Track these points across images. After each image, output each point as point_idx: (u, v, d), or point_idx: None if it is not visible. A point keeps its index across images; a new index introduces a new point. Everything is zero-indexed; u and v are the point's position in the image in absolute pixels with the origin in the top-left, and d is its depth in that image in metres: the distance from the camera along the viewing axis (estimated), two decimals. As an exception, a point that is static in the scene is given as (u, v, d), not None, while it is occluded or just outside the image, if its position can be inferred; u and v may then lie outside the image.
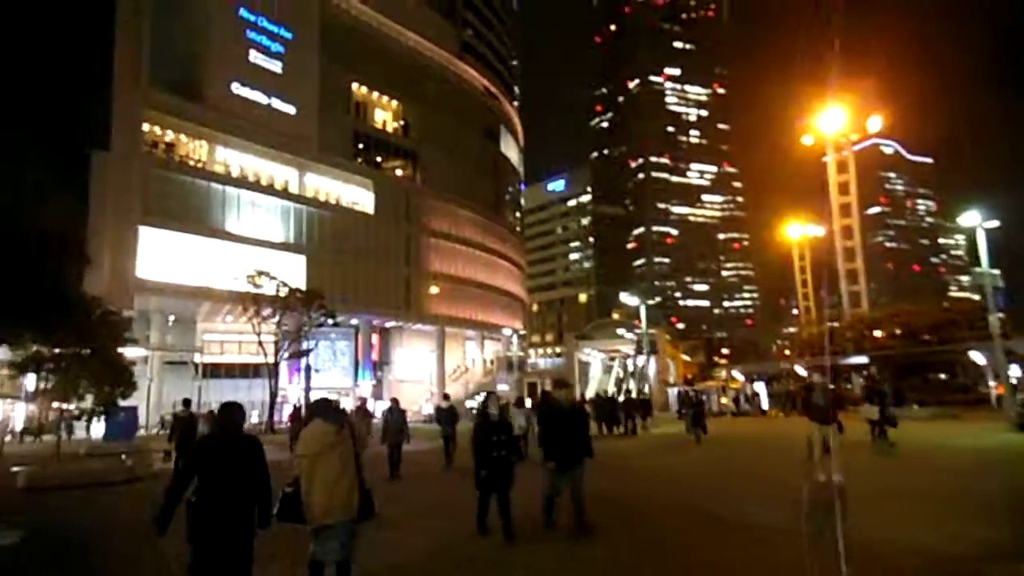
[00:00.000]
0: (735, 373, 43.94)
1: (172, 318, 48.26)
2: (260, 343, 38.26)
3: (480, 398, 59.79)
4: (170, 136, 49.00)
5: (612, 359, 73.21)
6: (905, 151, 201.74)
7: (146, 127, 46.62)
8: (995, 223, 19.63)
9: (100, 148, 46.32)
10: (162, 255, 45.69)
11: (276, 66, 53.93)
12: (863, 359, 33.03)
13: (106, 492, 13.00)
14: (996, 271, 19.43)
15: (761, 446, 19.37)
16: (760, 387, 35.85)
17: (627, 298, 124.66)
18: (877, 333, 41.57)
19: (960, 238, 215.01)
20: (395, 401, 15.57)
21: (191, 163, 49.40)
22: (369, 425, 14.34)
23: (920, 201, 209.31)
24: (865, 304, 45.68)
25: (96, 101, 45.70)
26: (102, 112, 45.15)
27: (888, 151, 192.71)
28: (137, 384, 28.78)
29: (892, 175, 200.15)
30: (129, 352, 45.74)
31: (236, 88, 51.11)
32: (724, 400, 40.11)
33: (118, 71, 45.75)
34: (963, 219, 19.71)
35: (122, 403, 33.45)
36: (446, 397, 20.12)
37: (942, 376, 44.93)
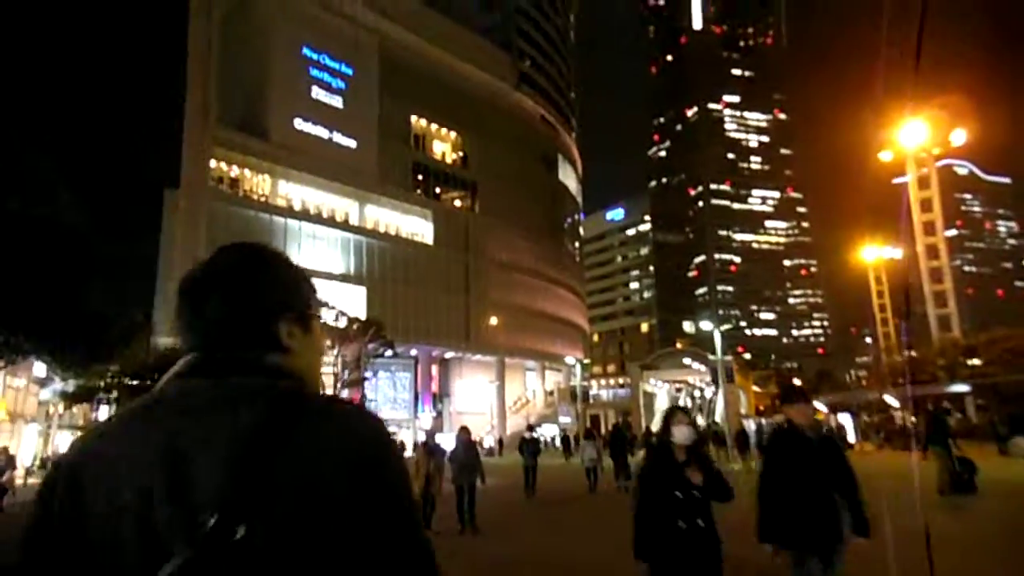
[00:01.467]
0: (817, 404, 41.15)
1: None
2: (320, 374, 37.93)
3: (559, 427, 57.37)
4: (235, 172, 50.11)
5: (679, 390, 70.77)
6: (980, 171, 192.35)
7: (212, 163, 47.73)
8: None
9: (171, 185, 47.80)
10: (227, 288, 46.20)
11: (337, 101, 54.88)
12: (964, 387, 30.23)
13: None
14: None
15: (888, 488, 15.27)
16: (845, 419, 33.29)
17: (691, 327, 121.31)
18: (974, 361, 38.43)
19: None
20: (465, 431, 12.96)
21: (254, 197, 50.33)
22: (440, 464, 11.88)
23: (1000, 223, 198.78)
24: (956, 328, 42.51)
25: (168, 140, 47.32)
26: (173, 150, 46.64)
27: (962, 171, 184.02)
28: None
29: (968, 196, 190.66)
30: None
31: (299, 124, 52.09)
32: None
33: (189, 110, 47.24)
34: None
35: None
36: (530, 428, 19.78)
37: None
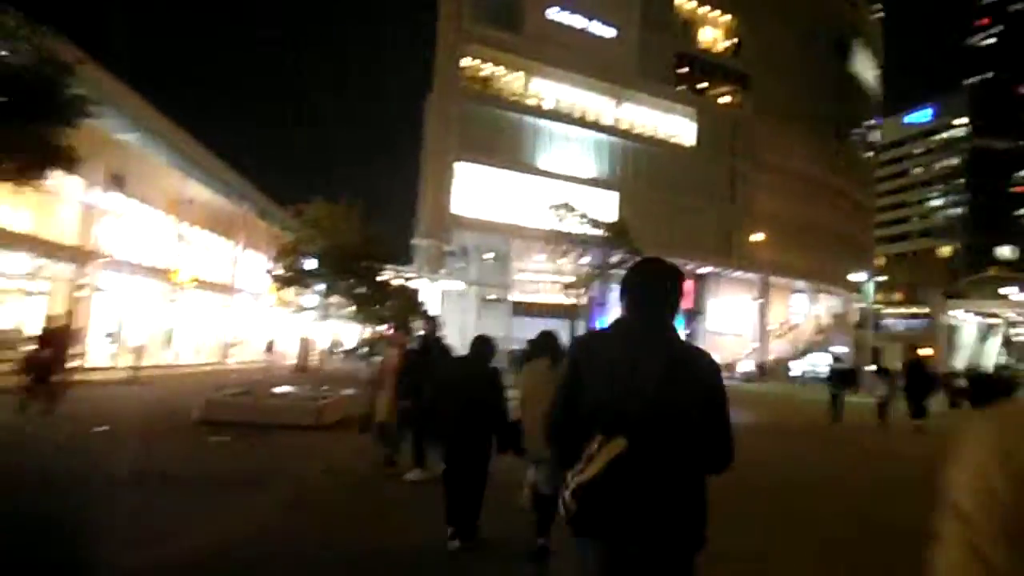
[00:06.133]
0: None
1: (491, 255, 48.64)
2: (561, 281, 35.80)
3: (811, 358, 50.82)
4: (487, 69, 48.64)
5: (991, 326, 58.19)
6: None
7: (467, 61, 46.64)
8: None
9: (424, 89, 47.91)
10: (476, 191, 45.82)
11: (596, -15, 50.35)
12: None
13: (265, 437, 9.66)
14: None
15: None
16: None
17: (1011, 252, 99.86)
18: None
19: None
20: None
21: (506, 96, 48.63)
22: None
23: None
24: None
25: (422, 44, 47.27)
26: (427, 54, 46.41)
27: None
28: (427, 312, 28.37)
29: None
30: (447, 285, 47.50)
31: (552, 13, 48.81)
32: None
33: (442, 11, 46.39)
34: None
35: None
36: (837, 359, 21.97)
37: None
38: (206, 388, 13.31)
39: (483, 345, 5.27)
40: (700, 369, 2.10)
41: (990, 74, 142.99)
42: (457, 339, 44.43)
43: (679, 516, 2.01)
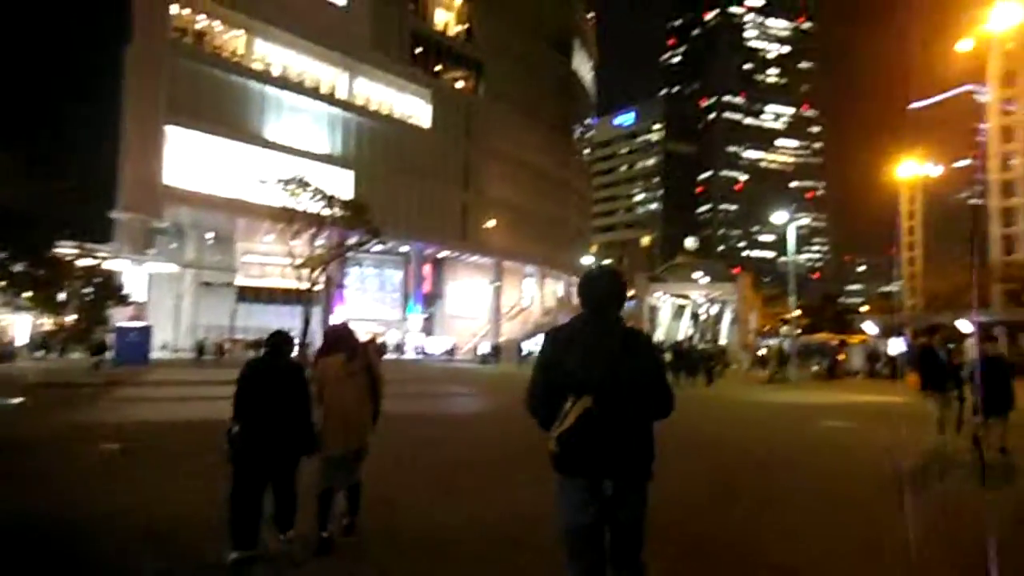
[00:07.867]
0: (866, 326, 36.76)
1: (211, 235, 43.17)
2: (293, 264, 32.70)
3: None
4: (202, 22, 42.93)
5: (682, 306, 66.81)
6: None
7: (175, 10, 40.60)
8: None
9: (121, 39, 40.76)
10: (192, 160, 40.32)
11: (325, -52, 47.10)
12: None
13: None
14: None
15: None
16: (898, 344, 28.60)
17: (693, 243, 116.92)
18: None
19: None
20: None
21: (226, 56, 43.44)
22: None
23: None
24: None
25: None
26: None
27: (983, 99, 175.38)
28: (127, 298, 23.72)
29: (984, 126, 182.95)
30: (157, 267, 41.16)
31: (278, -29, 44.63)
32: (841, 357, 33.25)
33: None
34: None
35: (133, 324, 28.43)
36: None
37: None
38: None
39: (283, 341, 4.88)
40: (643, 344, 2.69)
41: (677, 88, 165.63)
42: (170, 329, 38.79)
43: (635, 454, 2.57)
